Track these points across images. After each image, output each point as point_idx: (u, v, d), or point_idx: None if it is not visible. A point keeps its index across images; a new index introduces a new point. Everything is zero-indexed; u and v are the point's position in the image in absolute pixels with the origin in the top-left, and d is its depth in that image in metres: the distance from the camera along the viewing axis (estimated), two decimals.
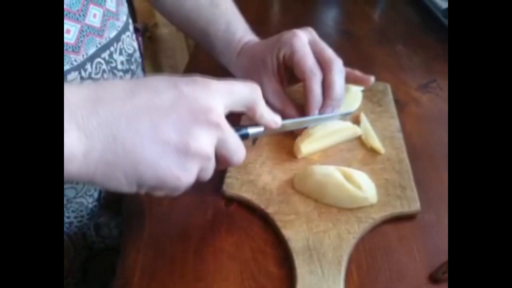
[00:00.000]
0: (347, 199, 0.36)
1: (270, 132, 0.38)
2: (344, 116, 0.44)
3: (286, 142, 0.44)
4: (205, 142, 0.27)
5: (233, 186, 0.39)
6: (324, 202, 0.37)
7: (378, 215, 0.36)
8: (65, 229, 0.45)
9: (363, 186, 0.36)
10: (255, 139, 0.37)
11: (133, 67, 0.51)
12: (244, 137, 0.35)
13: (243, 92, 0.31)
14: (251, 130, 0.36)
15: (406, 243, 0.35)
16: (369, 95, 0.50)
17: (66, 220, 0.45)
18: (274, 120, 0.35)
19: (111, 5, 0.44)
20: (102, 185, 0.27)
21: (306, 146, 0.42)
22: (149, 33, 1.61)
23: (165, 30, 1.67)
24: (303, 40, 0.43)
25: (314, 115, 0.42)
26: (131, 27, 0.51)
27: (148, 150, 0.26)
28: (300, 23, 0.50)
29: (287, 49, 0.43)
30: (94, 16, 0.41)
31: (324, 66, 0.42)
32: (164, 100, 0.27)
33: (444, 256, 0.33)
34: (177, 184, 0.28)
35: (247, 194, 0.38)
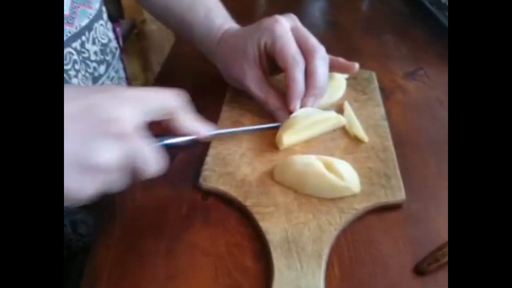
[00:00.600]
0: (328, 189, 0.34)
1: (205, 140, 0.36)
2: None
3: (267, 132, 0.42)
4: (106, 156, 0.25)
5: (210, 178, 0.37)
6: (304, 193, 0.35)
7: (361, 205, 0.34)
8: None
9: (345, 175, 0.34)
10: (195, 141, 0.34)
11: (108, 58, 0.49)
12: (168, 146, 0.32)
13: (158, 100, 0.29)
14: (172, 141, 0.33)
15: (391, 234, 0.33)
16: (353, 83, 0.48)
17: None
18: (198, 130, 0.33)
19: None
20: None
21: (288, 137, 0.40)
22: (137, 30, 1.58)
23: (153, 26, 1.65)
24: (285, 27, 0.41)
25: (296, 105, 0.40)
26: (105, 16, 0.49)
27: None
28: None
29: (268, 36, 0.41)
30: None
31: (306, 54, 0.41)
32: (68, 111, 0.25)
33: (430, 247, 0.32)
34: (71, 197, 0.25)
35: (224, 186, 0.36)
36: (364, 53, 0.59)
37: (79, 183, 0.25)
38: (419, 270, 0.30)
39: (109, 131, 0.25)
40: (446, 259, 0.30)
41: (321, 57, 0.41)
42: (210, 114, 0.38)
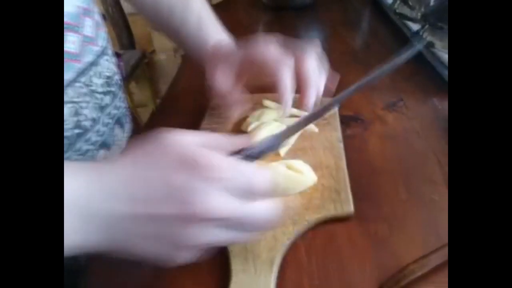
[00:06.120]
0: (292, 184, 0.39)
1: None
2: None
3: None
4: (203, 241, 0.26)
5: None
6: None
7: (312, 217, 0.38)
8: None
9: (304, 170, 0.39)
10: None
11: (113, 89, 0.53)
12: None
13: (245, 184, 0.27)
14: None
15: (358, 257, 0.35)
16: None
17: None
18: None
19: (89, 30, 0.46)
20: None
21: None
22: (147, 59, 1.66)
23: (162, 56, 1.74)
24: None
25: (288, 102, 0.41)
26: (110, 51, 0.53)
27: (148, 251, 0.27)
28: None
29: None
30: (72, 43, 0.43)
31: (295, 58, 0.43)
32: (155, 195, 0.26)
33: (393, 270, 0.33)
34: (168, 264, 0.28)
35: None
36: (347, 83, 0.62)
37: (174, 256, 0.27)
38: None
39: (200, 220, 0.25)
40: (407, 280, 0.32)
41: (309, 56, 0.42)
42: None
